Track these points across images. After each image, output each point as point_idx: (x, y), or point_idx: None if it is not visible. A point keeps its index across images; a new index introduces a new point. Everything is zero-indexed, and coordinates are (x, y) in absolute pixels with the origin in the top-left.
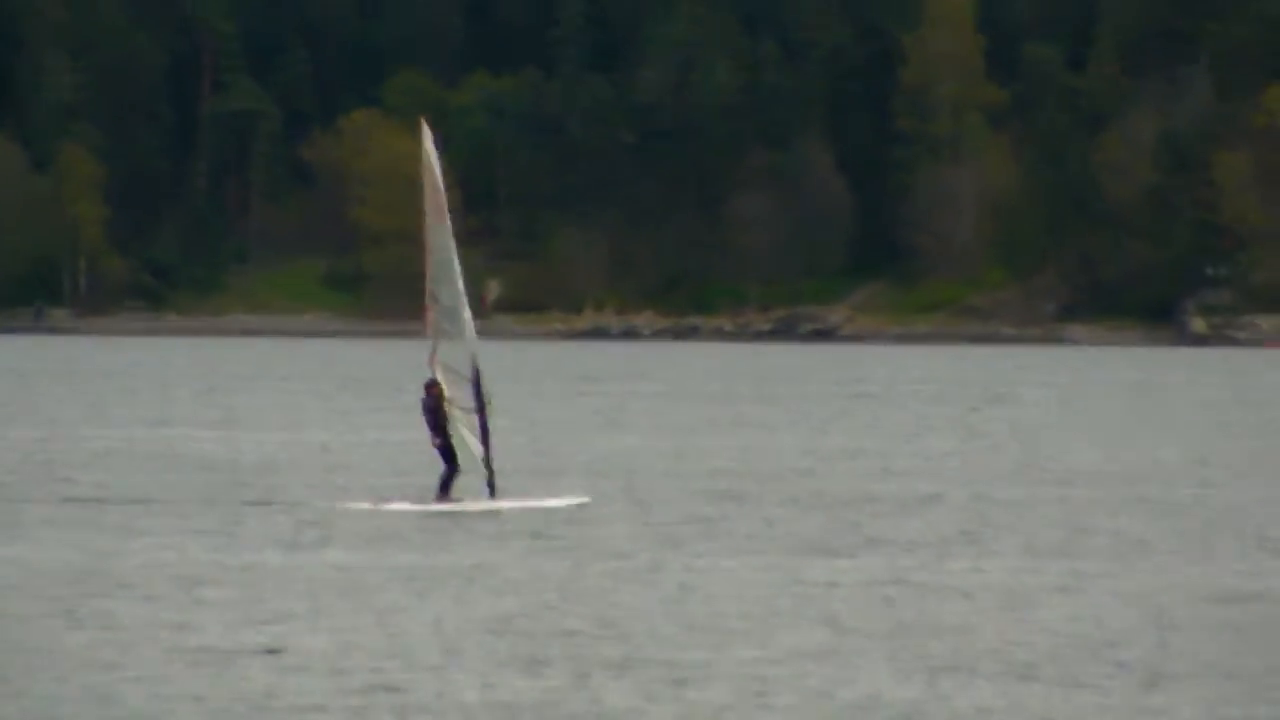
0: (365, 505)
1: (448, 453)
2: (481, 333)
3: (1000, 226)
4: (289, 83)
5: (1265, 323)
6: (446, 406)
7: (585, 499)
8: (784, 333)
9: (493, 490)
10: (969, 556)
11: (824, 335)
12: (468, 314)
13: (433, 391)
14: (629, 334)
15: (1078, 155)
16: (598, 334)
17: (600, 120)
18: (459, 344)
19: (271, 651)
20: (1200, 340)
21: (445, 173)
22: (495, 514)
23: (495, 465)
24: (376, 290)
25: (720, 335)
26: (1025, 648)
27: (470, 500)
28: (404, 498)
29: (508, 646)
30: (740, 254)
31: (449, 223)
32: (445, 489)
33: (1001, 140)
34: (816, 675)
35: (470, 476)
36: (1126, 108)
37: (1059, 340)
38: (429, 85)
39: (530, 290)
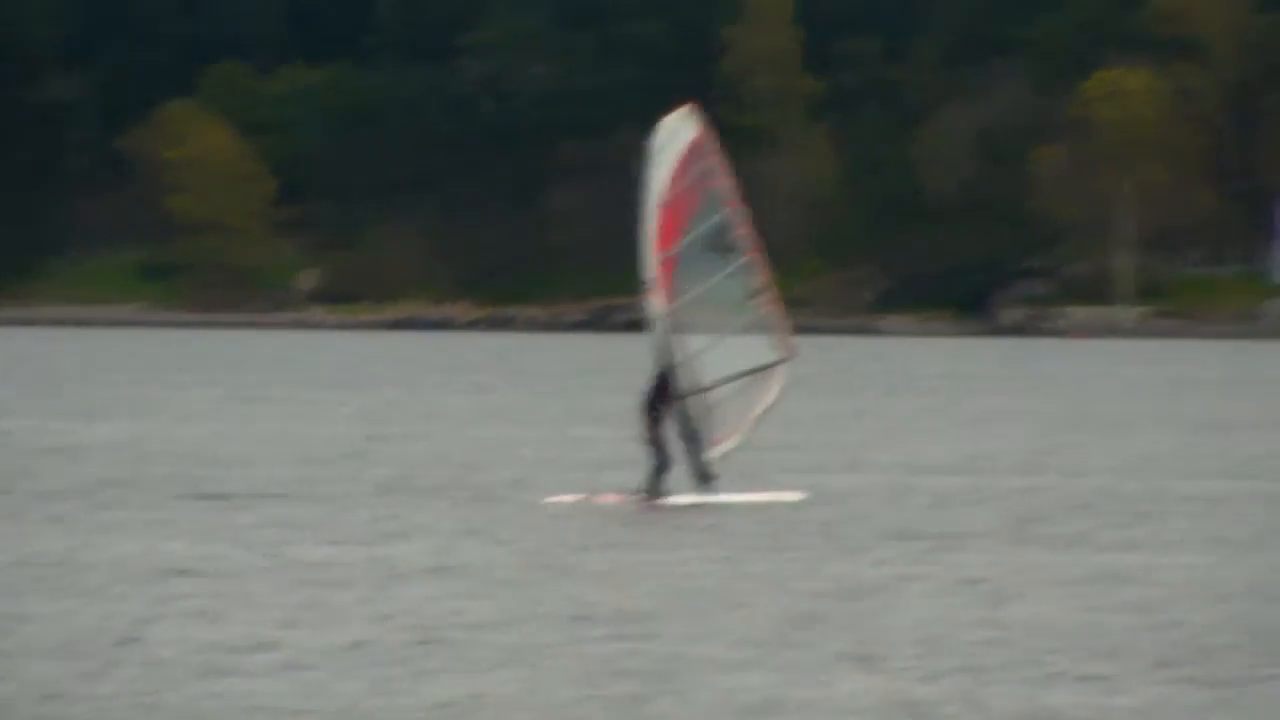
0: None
1: (658, 449)
2: (294, 324)
3: (818, 218)
4: (106, 74)
5: (1079, 314)
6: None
7: (801, 494)
8: (598, 323)
9: (704, 483)
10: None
11: (638, 326)
12: (673, 306)
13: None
14: (443, 324)
15: (896, 148)
16: (411, 324)
17: (416, 112)
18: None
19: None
20: (1014, 331)
21: (257, 162)
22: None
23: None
24: (192, 281)
25: (535, 326)
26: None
27: (681, 495)
28: (613, 491)
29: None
30: (555, 245)
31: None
32: (657, 483)
33: (820, 132)
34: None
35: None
36: (944, 102)
37: (875, 331)
38: (245, 77)
39: (344, 281)
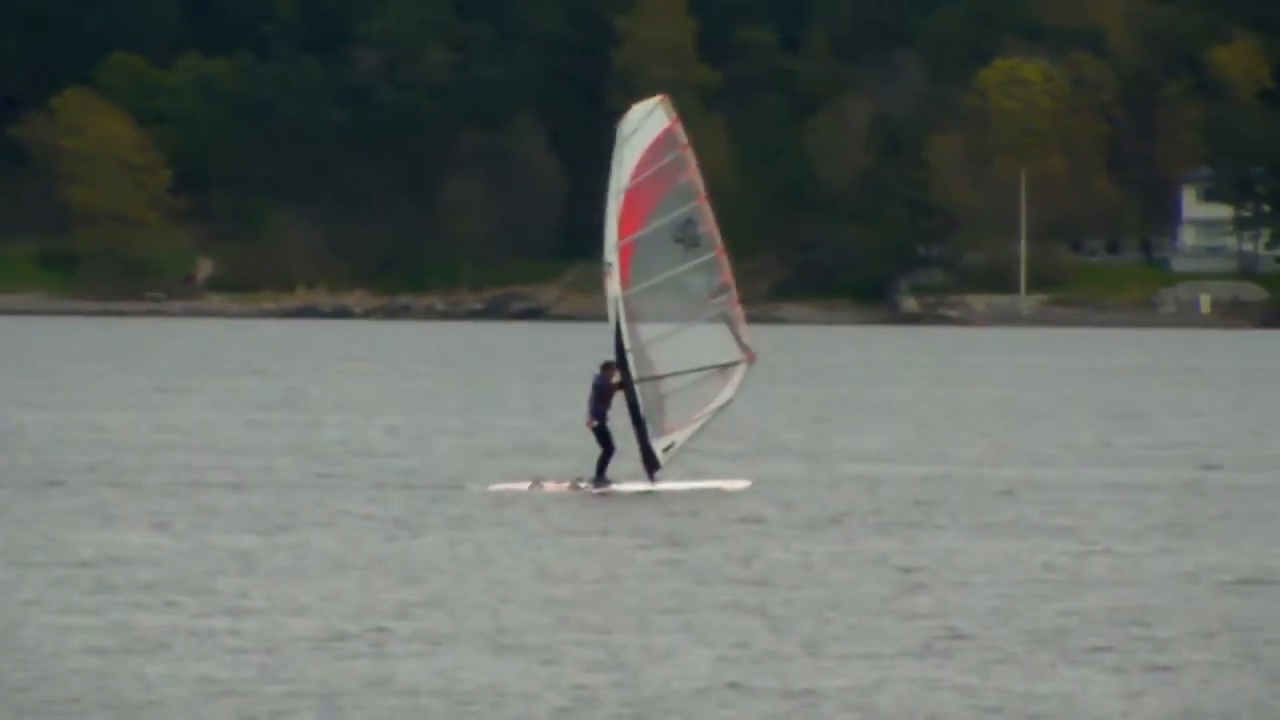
0: (522, 486)
1: (604, 435)
2: (192, 311)
3: (714, 208)
4: (1, 63)
5: (978, 302)
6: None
7: (746, 482)
8: (495, 312)
9: (650, 472)
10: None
11: (535, 315)
12: (610, 280)
13: (607, 373)
14: (340, 313)
15: (792, 138)
16: (309, 313)
17: (313, 102)
18: (609, 323)
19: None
20: (913, 319)
21: (155, 152)
22: (653, 495)
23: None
24: (91, 270)
25: (432, 314)
26: None
27: (628, 482)
28: (558, 480)
29: None
30: (453, 234)
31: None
32: (602, 471)
33: (715, 122)
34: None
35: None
36: (840, 91)
37: (775, 319)
38: (142, 66)
39: (242, 270)
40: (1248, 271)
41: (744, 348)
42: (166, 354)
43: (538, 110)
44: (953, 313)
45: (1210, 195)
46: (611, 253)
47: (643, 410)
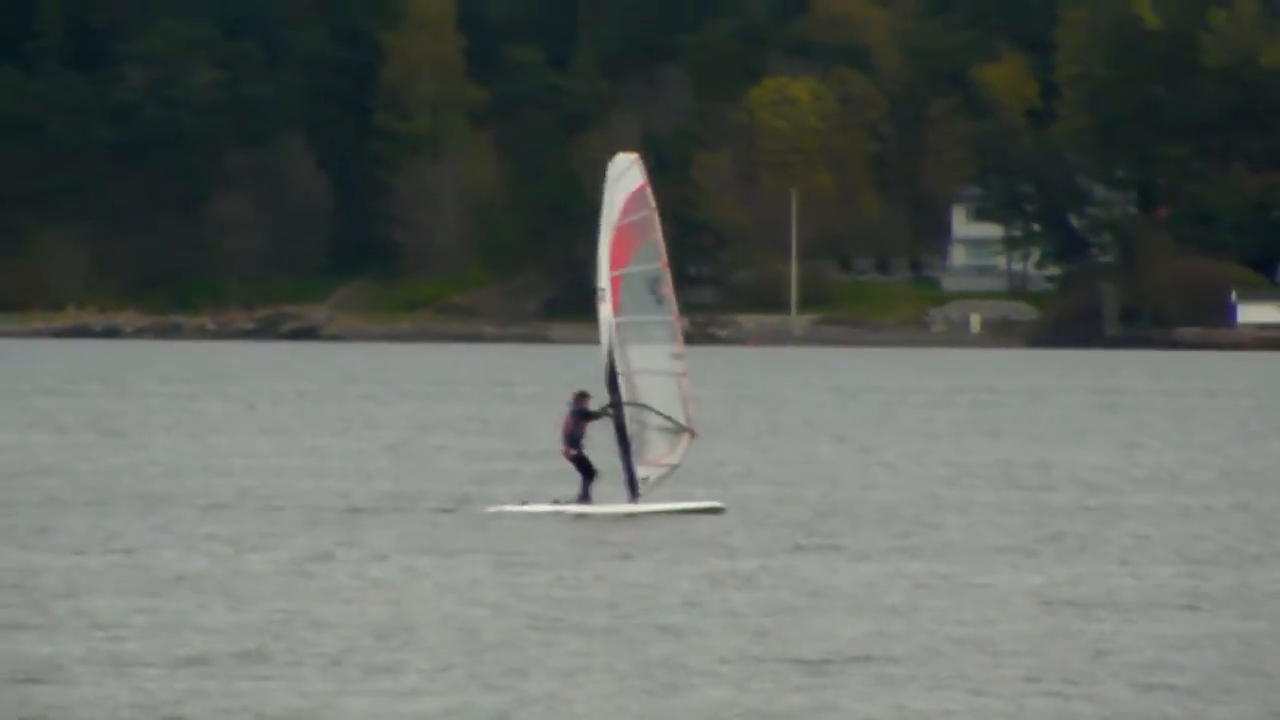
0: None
1: (582, 464)
2: None
3: (482, 225)
4: None
5: (748, 322)
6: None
7: (719, 504)
8: (265, 331)
9: (634, 492)
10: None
11: (306, 334)
12: (604, 305)
13: (581, 402)
14: (110, 332)
15: (559, 156)
16: (80, 332)
17: (80, 120)
18: (600, 347)
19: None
20: (685, 339)
21: None
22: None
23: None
24: None
25: (202, 334)
26: None
27: (610, 504)
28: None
29: None
30: (222, 253)
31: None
32: (586, 497)
33: (483, 139)
34: None
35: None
36: (608, 109)
37: (543, 339)
38: None
39: (9, 290)
40: (1018, 291)
41: (688, 421)
42: None
43: (306, 128)
44: (723, 332)
45: (980, 214)
46: (604, 279)
47: (629, 434)
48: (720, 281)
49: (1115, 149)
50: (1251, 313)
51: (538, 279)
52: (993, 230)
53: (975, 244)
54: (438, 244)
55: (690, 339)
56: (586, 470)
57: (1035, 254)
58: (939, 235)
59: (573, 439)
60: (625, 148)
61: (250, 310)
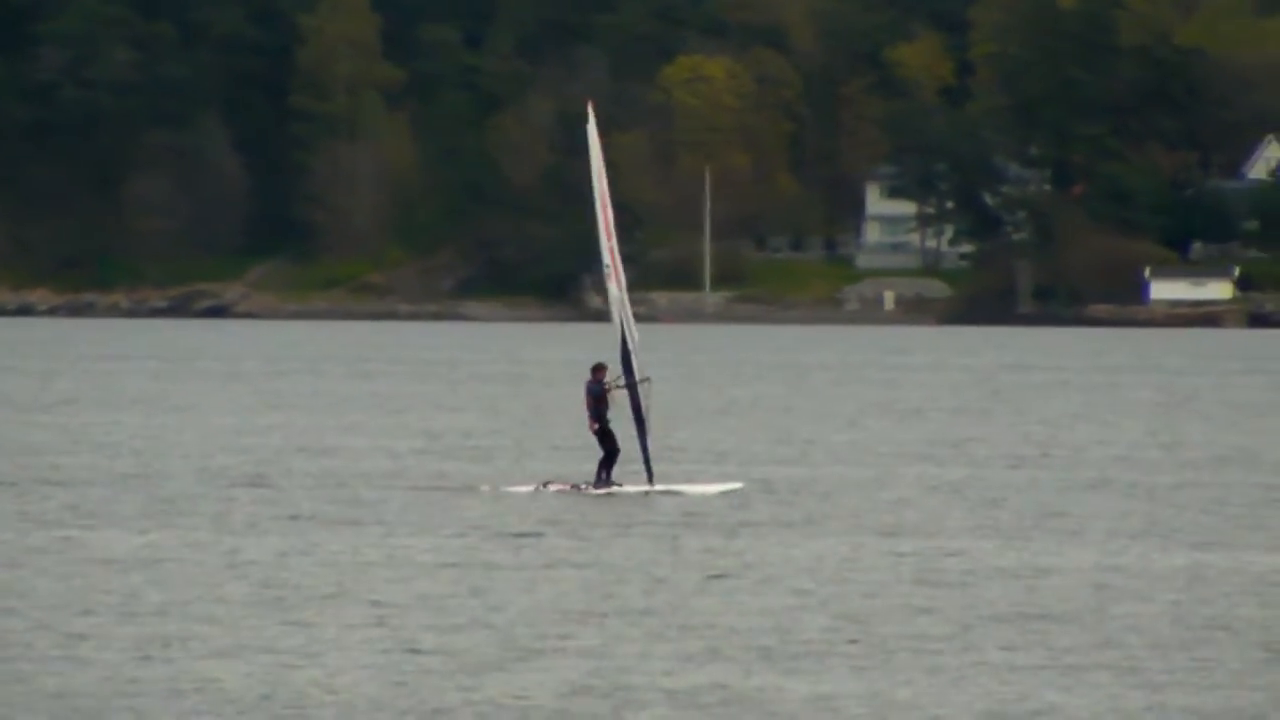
0: (529, 488)
1: (606, 438)
2: None
3: (398, 205)
4: None
5: (663, 299)
6: (612, 388)
7: (739, 485)
8: (180, 310)
9: (650, 474)
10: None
11: (220, 312)
12: (612, 283)
13: (598, 375)
14: (23, 310)
15: (475, 136)
16: None
17: None
18: (612, 324)
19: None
20: (597, 316)
21: None
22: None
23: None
24: None
25: (117, 312)
26: None
27: (629, 484)
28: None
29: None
30: (139, 233)
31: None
32: (605, 472)
33: (399, 119)
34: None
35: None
36: (524, 88)
37: (458, 317)
38: None
39: None
40: (931, 268)
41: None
42: None
43: (222, 109)
44: (638, 309)
45: (894, 192)
46: (606, 255)
47: (644, 410)
48: (636, 260)
49: (1030, 128)
50: (1164, 289)
51: (452, 257)
52: (907, 208)
53: (889, 222)
54: (355, 224)
55: (604, 317)
56: (609, 446)
57: (949, 232)
58: (853, 213)
59: (596, 413)
60: (541, 127)
61: (164, 289)
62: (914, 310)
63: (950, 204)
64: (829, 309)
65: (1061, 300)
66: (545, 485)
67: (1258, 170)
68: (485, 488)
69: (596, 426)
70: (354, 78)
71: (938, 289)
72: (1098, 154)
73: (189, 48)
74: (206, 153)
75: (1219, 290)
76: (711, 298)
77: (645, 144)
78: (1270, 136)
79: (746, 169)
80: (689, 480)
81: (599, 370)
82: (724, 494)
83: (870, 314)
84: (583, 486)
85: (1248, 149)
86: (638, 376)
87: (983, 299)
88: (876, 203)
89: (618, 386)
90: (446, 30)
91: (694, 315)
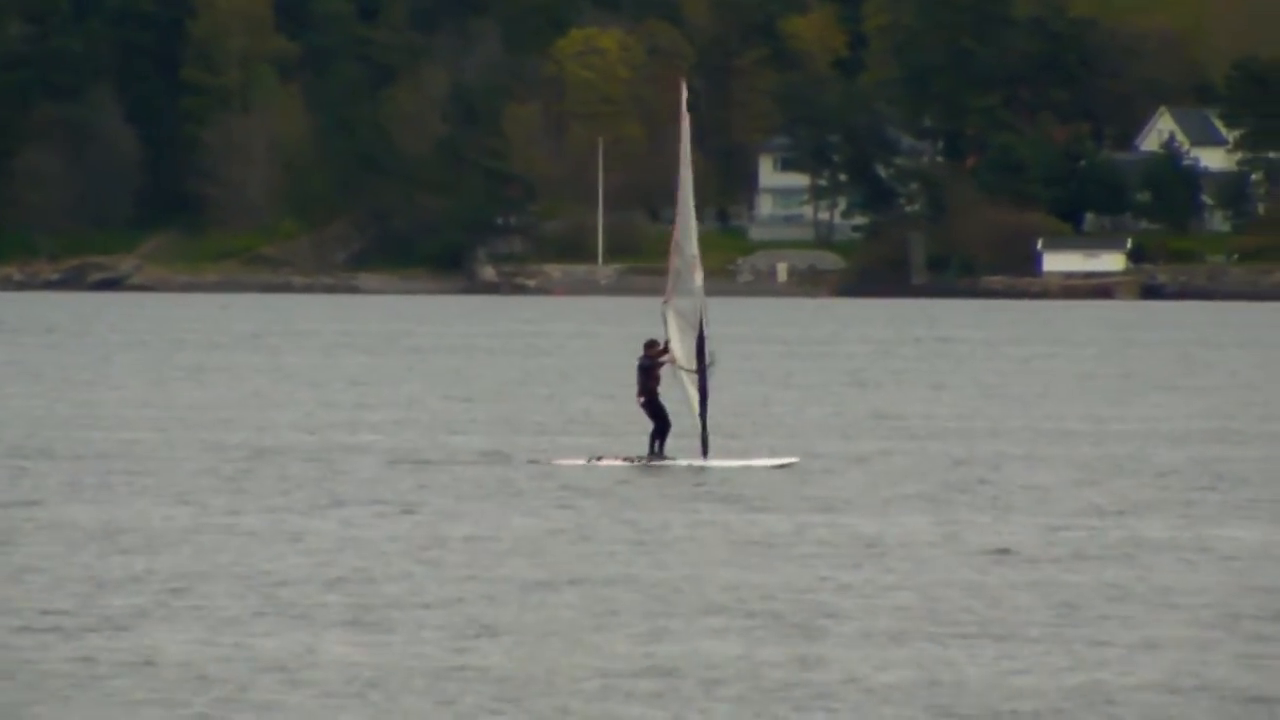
0: (580, 461)
1: (655, 410)
2: None
3: (291, 177)
4: None
5: (555, 271)
6: (671, 365)
7: (794, 459)
8: (72, 282)
9: (705, 449)
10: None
11: (112, 285)
12: (700, 271)
13: (651, 351)
14: None
15: (369, 108)
16: None
17: None
18: (688, 299)
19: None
20: (491, 289)
21: None
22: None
23: (710, 425)
24: None
25: (10, 285)
26: None
27: (683, 459)
28: (616, 455)
29: None
30: (31, 206)
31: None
32: (657, 446)
33: (292, 91)
34: None
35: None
36: (418, 60)
37: (351, 289)
38: None
39: None
40: (824, 240)
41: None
42: None
43: (115, 81)
44: (531, 282)
45: (787, 164)
46: (693, 245)
47: (707, 391)
48: (528, 232)
49: (923, 99)
50: (1057, 261)
51: (346, 229)
52: (800, 180)
53: (782, 194)
54: (248, 197)
55: (498, 288)
56: (659, 419)
57: (842, 203)
58: (746, 185)
59: (644, 387)
60: (435, 99)
61: (56, 261)
62: (807, 282)
63: (843, 176)
64: (722, 281)
65: (955, 272)
66: (597, 459)
67: (1150, 142)
68: (533, 461)
69: (643, 399)
70: (247, 50)
71: (831, 261)
72: (990, 125)
73: (82, 20)
74: (98, 125)
75: (1112, 262)
76: (604, 270)
77: (538, 116)
78: (1163, 108)
79: (640, 140)
80: (743, 456)
81: (651, 346)
82: (779, 467)
83: (764, 286)
84: (635, 460)
85: (1140, 121)
86: (709, 360)
87: (876, 271)
88: (770, 175)
89: (690, 370)
90: (340, 3)
91: (588, 287)
